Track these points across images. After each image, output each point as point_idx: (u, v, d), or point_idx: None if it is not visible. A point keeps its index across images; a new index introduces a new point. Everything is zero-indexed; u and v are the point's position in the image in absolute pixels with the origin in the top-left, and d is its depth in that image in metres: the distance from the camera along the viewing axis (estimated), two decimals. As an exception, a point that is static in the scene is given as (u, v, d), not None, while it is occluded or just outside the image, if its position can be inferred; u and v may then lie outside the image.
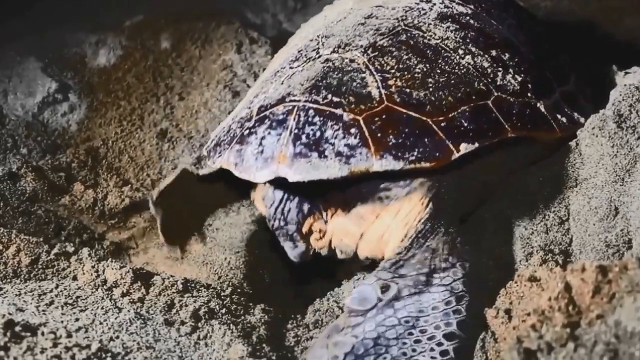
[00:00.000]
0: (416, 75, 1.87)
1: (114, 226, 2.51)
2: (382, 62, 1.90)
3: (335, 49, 1.96)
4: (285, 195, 1.92)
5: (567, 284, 1.29)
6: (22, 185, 2.53)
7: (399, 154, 1.73)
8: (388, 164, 1.72)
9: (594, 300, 1.26)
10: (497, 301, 1.64)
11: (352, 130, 1.75)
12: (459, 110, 1.82)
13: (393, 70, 1.87)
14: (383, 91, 1.82)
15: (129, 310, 1.77)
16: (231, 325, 1.81)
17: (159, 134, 2.89)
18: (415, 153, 1.73)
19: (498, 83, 1.93)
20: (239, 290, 2.08)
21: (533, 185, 2.00)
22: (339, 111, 1.78)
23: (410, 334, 1.64)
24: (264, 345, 1.79)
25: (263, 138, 1.80)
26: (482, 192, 2.02)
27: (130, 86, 3.06)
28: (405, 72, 1.87)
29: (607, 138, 1.85)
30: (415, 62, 1.91)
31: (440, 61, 1.93)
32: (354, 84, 1.84)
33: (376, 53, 1.92)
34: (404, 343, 1.63)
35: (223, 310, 1.87)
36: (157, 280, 1.92)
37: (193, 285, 1.96)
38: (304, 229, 1.93)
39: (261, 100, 1.94)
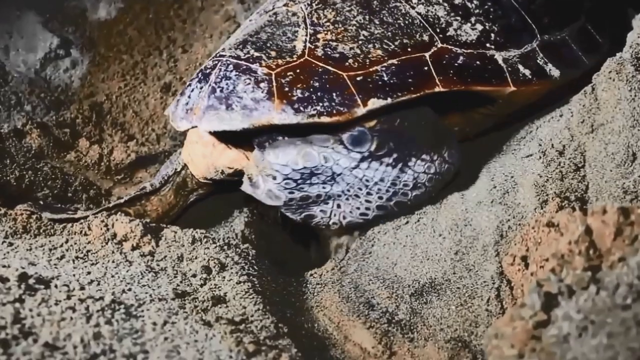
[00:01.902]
0: (350, 28, 1.88)
1: (120, 182, 2.50)
2: (322, 14, 1.91)
3: (287, 2, 1.99)
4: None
5: (588, 227, 1.26)
6: (28, 142, 2.50)
7: (301, 108, 1.74)
8: (287, 117, 1.74)
9: (616, 242, 1.23)
10: (513, 248, 1.62)
11: (262, 85, 1.78)
12: (385, 64, 1.81)
13: (328, 24, 1.89)
14: (308, 45, 1.85)
15: (139, 264, 1.77)
16: (242, 276, 1.80)
17: (163, 88, 2.85)
18: (319, 107, 1.74)
19: (448, 33, 1.90)
20: (247, 242, 2.07)
21: (546, 131, 1.96)
22: (254, 66, 1.82)
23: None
24: (275, 297, 1.79)
25: (192, 91, 1.89)
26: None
27: (132, 39, 3.00)
28: (340, 25, 1.88)
29: (625, 82, 1.79)
30: (356, 13, 1.91)
31: (384, 12, 1.92)
32: (283, 38, 1.88)
33: (320, 5, 1.94)
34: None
35: (233, 262, 1.86)
36: (166, 233, 1.91)
37: (202, 238, 1.94)
38: None
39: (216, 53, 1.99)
